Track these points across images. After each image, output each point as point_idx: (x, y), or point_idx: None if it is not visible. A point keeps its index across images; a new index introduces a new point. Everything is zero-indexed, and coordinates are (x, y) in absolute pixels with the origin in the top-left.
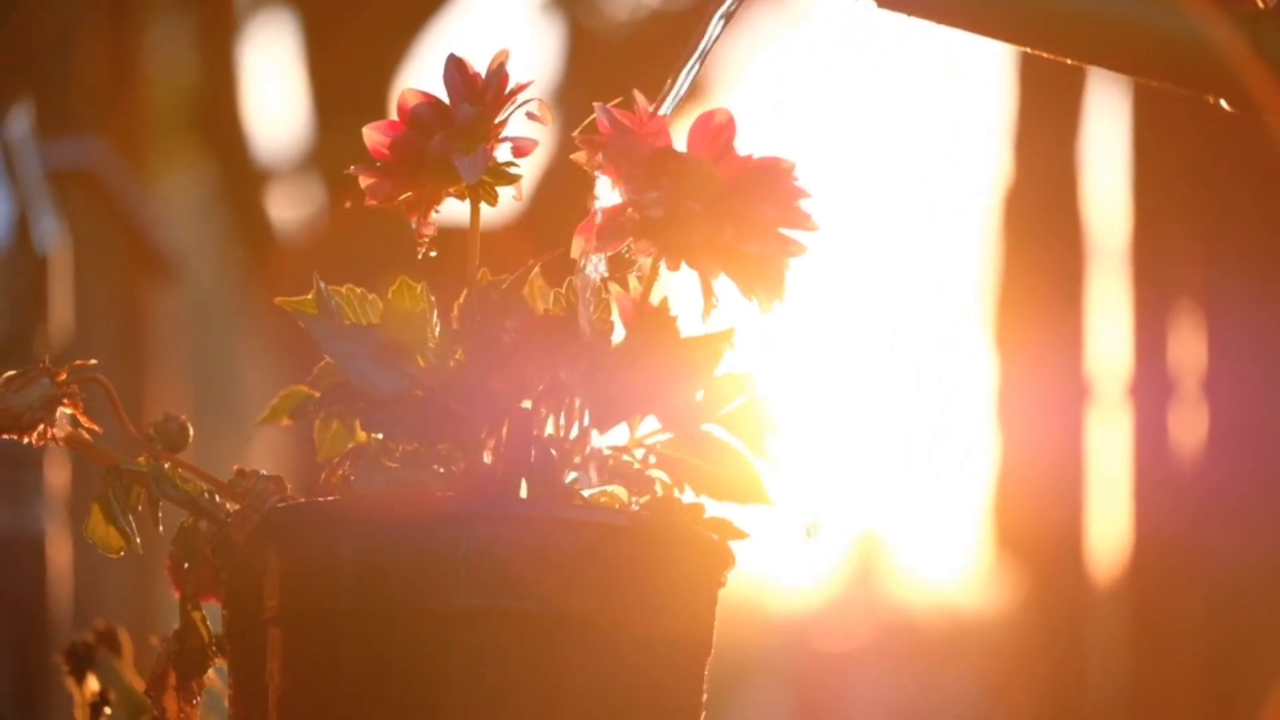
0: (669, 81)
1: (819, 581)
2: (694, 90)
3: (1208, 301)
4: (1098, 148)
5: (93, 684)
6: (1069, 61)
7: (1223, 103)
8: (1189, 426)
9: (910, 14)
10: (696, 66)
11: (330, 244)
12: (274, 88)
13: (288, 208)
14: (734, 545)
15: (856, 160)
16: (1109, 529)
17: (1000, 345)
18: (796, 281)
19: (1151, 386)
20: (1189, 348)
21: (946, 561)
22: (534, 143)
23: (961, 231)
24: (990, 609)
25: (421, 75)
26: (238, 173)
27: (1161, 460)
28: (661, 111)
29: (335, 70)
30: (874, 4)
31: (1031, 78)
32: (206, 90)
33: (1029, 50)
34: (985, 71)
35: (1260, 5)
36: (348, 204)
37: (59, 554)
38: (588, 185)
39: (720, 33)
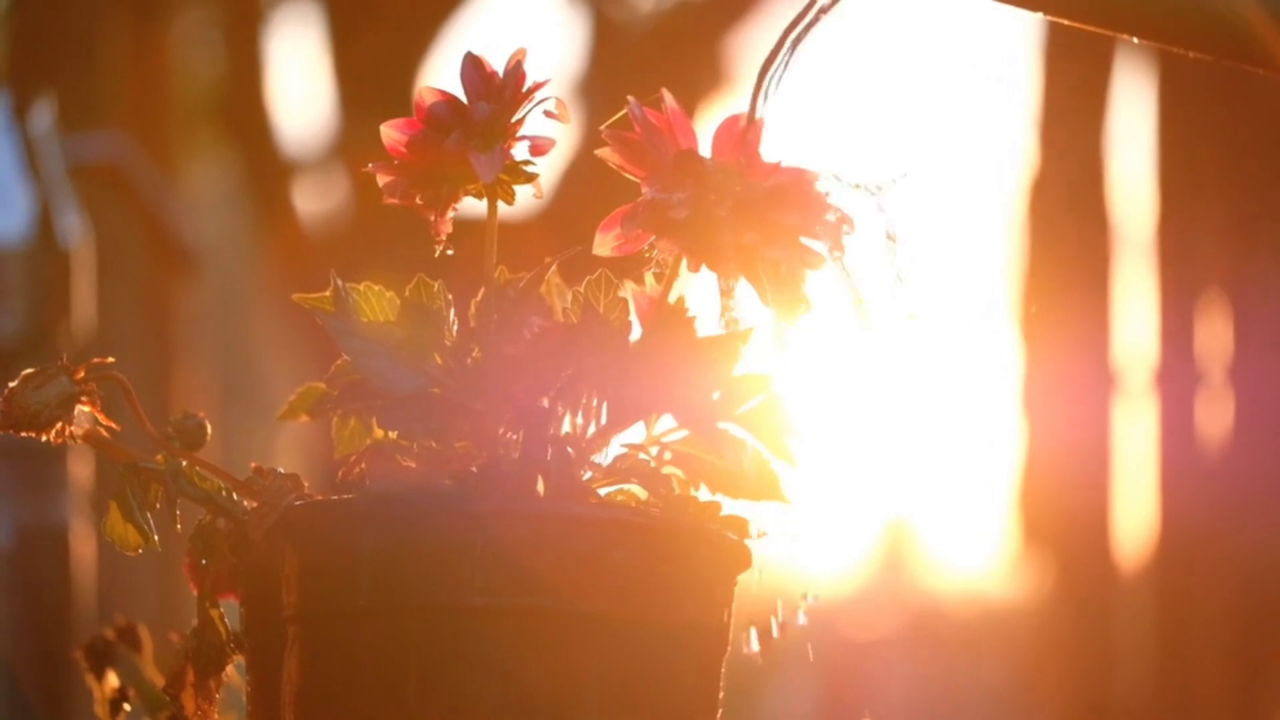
0: (759, 80)
1: (847, 570)
2: (718, 83)
3: (1234, 290)
4: (1124, 136)
5: (113, 680)
6: (1164, 46)
7: None
8: (1215, 415)
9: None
10: (787, 60)
11: (355, 237)
12: (299, 80)
13: (313, 200)
14: (755, 539)
15: (882, 150)
16: (1135, 517)
17: (1027, 334)
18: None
19: (1178, 375)
20: (1215, 336)
21: (974, 550)
22: (551, 141)
23: (988, 220)
24: (1018, 597)
25: (447, 66)
26: (262, 166)
27: (1188, 448)
28: (753, 111)
29: (360, 62)
30: None
31: (1057, 67)
32: (231, 83)
33: (1117, 36)
34: (1012, 61)
35: None
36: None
37: (83, 547)
38: (609, 181)
39: (812, 26)
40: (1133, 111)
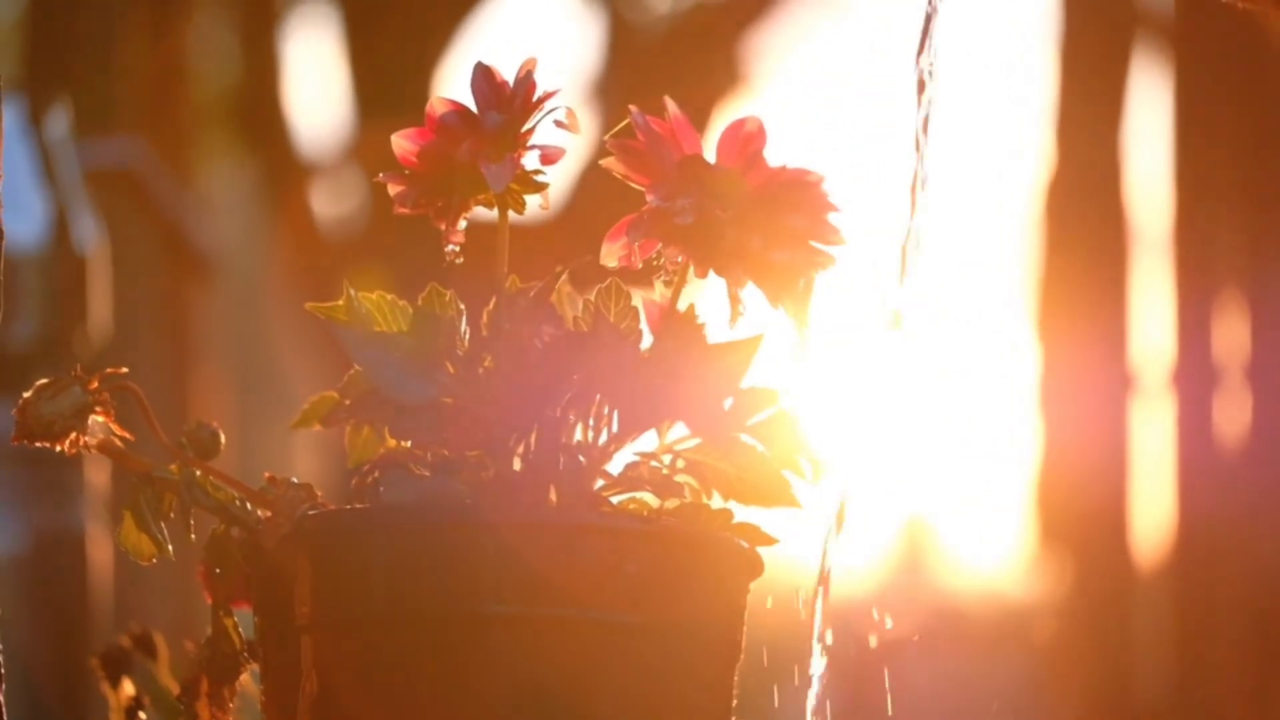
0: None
1: (865, 570)
2: (734, 85)
3: (1251, 289)
4: (1140, 135)
5: (128, 688)
6: None
7: None
8: (1232, 414)
9: None
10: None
11: (371, 242)
12: (315, 84)
13: (329, 205)
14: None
15: (897, 148)
16: (1153, 516)
17: (1044, 334)
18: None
19: (1194, 374)
20: (1232, 335)
21: (992, 549)
22: (561, 150)
23: (1004, 220)
24: (1036, 596)
25: (463, 69)
26: (278, 170)
27: (1205, 448)
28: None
29: (377, 64)
30: None
31: (1074, 65)
32: (246, 88)
33: None
34: (1027, 59)
35: None
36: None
37: (99, 554)
38: (624, 185)
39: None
40: (1149, 110)
